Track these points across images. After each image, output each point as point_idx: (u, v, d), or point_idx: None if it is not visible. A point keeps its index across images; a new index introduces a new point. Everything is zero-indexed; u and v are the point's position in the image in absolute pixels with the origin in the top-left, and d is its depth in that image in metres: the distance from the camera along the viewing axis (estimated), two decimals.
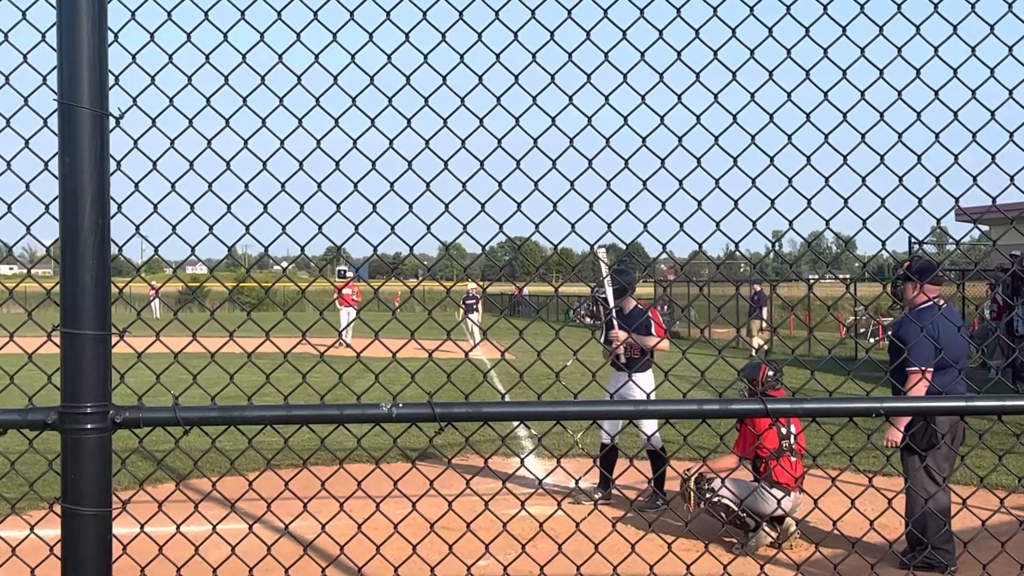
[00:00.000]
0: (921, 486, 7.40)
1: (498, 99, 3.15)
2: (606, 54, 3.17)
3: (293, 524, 3.53)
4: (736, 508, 8.27)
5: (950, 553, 7.36)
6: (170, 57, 3.17)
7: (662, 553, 3.49)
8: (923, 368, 7.20)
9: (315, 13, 3.12)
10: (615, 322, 10.17)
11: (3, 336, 3.09)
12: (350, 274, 31.13)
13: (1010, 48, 3.15)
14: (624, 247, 3.48)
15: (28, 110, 3.08)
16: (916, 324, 7.38)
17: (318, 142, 3.15)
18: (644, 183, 3.18)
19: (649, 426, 9.83)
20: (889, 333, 8.37)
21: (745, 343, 30.99)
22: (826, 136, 3.21)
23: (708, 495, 8.45)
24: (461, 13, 3.15)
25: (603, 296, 10.40)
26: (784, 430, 8.43)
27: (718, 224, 3.18)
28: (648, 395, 9.87)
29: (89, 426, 2.71)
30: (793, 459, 8.41)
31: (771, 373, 8.79)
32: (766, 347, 29.26)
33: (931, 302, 7.66)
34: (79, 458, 2.72)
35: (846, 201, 3.20)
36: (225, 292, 3.39)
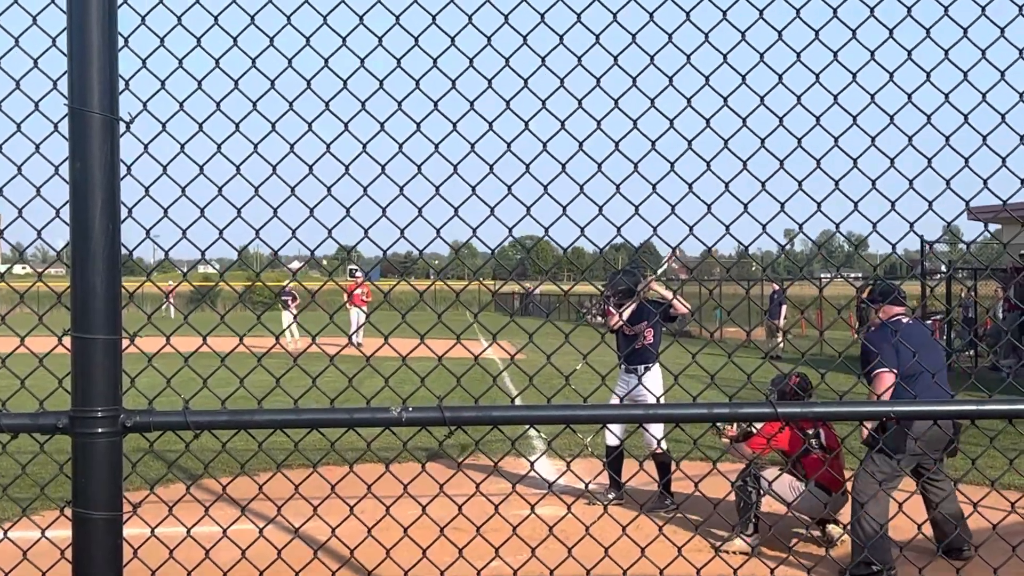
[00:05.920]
0: (865, 486, 7.46)
1: (507, 103, 3.15)
2: (615, 57, 3.17)
3: (304, 526, 3.54)
4: (759, 505, 8.20)
5: (887, 553, 7.34)
6: (180, 62, 3.18)
7: (672, 556, 3.49)
8: (887, 369, 7.35)
9: (324, 18, 3.13)
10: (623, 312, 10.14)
11: (15, 338, 3.10)
12: (359, 274, 31.12)
13: (1021, 51, 3.14)
14: (635, 249, 3.48)
15: (39, 115, 3.09)
16: (881, 332, 7.80)
17: (327, 146, 3.15)
18: (654, 187, 3.18)
19: (657, 431, 9.77)
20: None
21: (763, 343, 30.85)
22: (836, 139, 3.20)
23: (754, 485, 8.27)
24: (470, 17, 3.15)
25: (623, 289, 10.25)
26: (811, 430, 8.36)
27: (727, 228, 3.18)
28: (658, 399, 9.82)
29: (100, 430, 2.72)
30: (829, 456, 8.27)
31: (796, 386, 8.72)
32: (780, 345, 29.01)
33: (896, 318, 7.93)
34: (90, 462, 2.72)
35: (855, 204, 3.19)
36: (236, 292, 3.40)
